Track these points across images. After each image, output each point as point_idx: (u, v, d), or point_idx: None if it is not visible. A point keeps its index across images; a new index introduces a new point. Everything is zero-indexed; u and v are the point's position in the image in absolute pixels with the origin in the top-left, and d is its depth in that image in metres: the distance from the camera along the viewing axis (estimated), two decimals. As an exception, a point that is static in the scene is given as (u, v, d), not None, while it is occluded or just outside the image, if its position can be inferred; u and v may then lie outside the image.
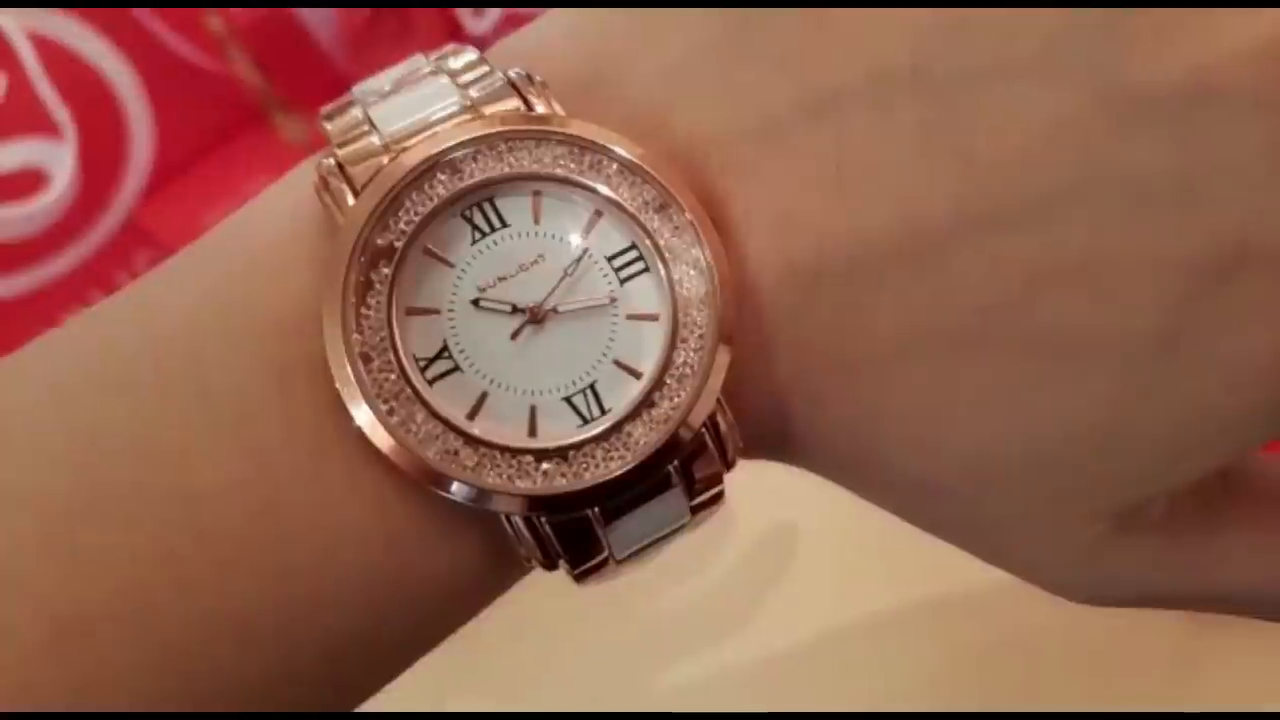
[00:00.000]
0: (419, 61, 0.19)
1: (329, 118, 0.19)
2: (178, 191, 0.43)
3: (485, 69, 0.19)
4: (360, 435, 0.17)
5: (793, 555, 0.35)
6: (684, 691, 0.33)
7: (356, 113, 0.19)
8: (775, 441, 0.19)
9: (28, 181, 0.41)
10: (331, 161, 0.18)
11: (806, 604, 0.34)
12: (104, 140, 0.42)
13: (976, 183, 0.17)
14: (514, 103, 0.18)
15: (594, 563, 0.18)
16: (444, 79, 0.19)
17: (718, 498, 0.19)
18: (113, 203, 0.43)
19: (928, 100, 0.18)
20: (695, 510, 0.18)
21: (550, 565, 0.18)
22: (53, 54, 0.41)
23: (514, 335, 0.18)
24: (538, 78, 0.19)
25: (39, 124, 0.41)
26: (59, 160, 0.42)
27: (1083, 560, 0.19)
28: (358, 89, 0.19)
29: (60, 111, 0.41)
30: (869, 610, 0.33)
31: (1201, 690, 0.30)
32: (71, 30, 0.41)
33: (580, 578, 0.18)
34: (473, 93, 0.19)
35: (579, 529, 0.18)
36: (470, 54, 0.19)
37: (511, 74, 0.19)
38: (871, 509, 0.20)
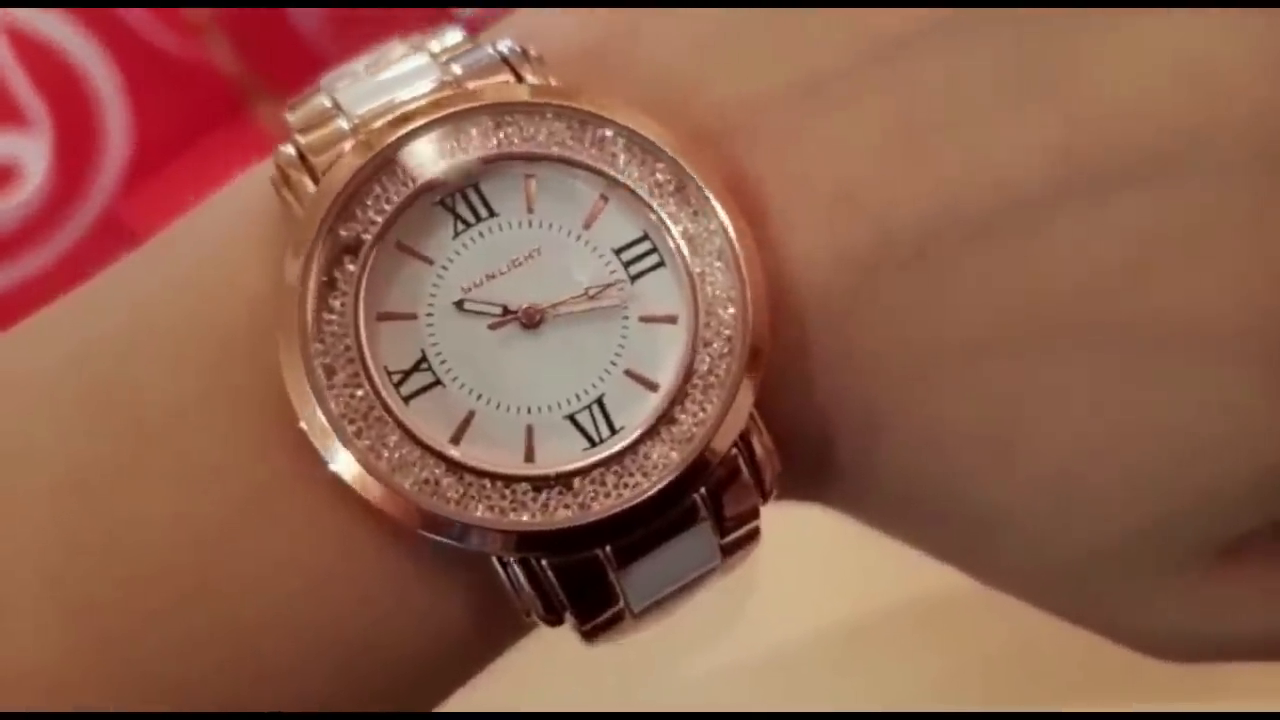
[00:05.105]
0: (395, 44, 0.18)
1: (292, 108, 0.18)
2: (157, 184, 0.43)
3: (470, 45, 0.18)
4: (321, 464, 0.15)
5: (792, 550, 0.35)
6: (682, 689, 0.32)
7: (323, 99, 0.17)
8: (815, 474, 0.17)
9: (0, 177, 0.41)
10: (291, 151, 0.17)
11: (808, 600, 0.33)
12: (79, 132, 0.42)
13: (1080, 133, 0.15)
14: (504, 78, 0.17)
15: (606, 616, 0.16)
16: (424, 57, 0.18)
17: (752, 535, 0.17)
18: (89, 196, 0.43)
19: (1014, 34, 0.16)
20: (726, 550, 0.16)
21: (555, 620, 0.16)
22: (24, 43, 0.40)
23: (505, 342, 0.16)
24: (533, 52, 0.17)
25: (11, 116, 0.40)
26: (33, 153, 0.41)
27: (1183, 605, 0.17)
28: (325, 76, 0.18)
29: (33, 103, 0.41)
30: (871, 608, 0.33)
31: (1207, 690, 0.29)
32: (43, 18, 0.41)
33: (590, 635, 0.16)
34: (455, 68, 0.17)
35: (588, 574, 0.16)
36: (455, 33, 0.18)
37: (501, 47, 0.17)
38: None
